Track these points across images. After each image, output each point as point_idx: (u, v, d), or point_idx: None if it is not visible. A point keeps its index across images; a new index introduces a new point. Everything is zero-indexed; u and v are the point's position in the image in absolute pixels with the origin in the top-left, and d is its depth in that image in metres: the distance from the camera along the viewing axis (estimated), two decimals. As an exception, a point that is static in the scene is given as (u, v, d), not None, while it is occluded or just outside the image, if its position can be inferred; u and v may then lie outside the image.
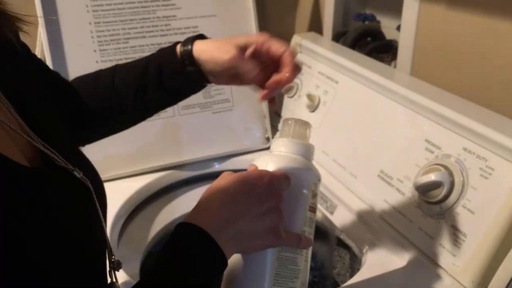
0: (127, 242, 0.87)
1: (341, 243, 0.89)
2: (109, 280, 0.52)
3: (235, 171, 1.13)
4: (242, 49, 0.59)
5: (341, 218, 0.87)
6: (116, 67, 0.67)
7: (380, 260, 0.74)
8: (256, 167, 0.53)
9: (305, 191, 0.52)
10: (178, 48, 0.63)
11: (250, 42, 0.60)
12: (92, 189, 0.48)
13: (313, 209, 0.53)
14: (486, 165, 0.67)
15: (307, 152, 0.55)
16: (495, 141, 0.66)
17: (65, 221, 0.43)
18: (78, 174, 0.46)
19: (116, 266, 0.52)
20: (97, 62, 0.94)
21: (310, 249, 0.54)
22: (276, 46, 0.59)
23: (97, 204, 0.48)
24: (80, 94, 0.65)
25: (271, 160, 0.53)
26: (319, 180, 0.55)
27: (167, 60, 0.63)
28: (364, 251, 0.79)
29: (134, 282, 0.69)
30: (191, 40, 0.62)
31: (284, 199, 0.50)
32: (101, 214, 0.49)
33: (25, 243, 0.37)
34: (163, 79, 0.63)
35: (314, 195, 0.54)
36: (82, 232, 0.45)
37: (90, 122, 0.66)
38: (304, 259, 0.53)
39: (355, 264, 0.87)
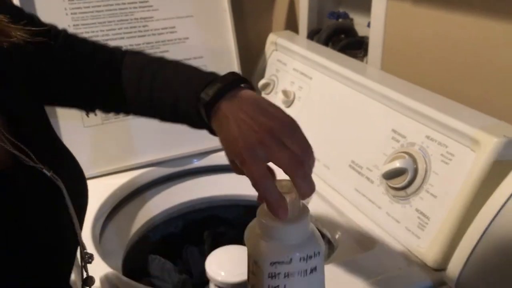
0: (109, 237, 0.89)
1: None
2: (84, 275, 0.54)
3: (214, 167, 1.13)
4: None
5: (316, 207, 0.90)
6: (155, 77, 0.60)
7: (350, 245, 0.78)
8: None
9: None
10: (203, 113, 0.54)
11: None
12: (62, 186, 0.49)
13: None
14: (447, 151, 0.71)
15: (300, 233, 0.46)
16: (454, 128, 0.70)
17: (28, 218, 0.45)
18: (47, 172, 0.47)
19: (88, 259, 0.54)
20: (77, 63, 0.97)
21: None
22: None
23: (68, 201, 0.49)
24: (122, 74, 0.62)
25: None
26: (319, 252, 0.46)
27: (192, 116, 0.56)
28: (336, 237, 0.82)
29: (117, 274, 0.72)
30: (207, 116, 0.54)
31: None
32: (72, 211, 0.50)
33: None
34: (190, 124, 0.59)
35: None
36: (45, 228, 0.47)
37: (118, 99, 0.62)
38: None
39: (332, 253, 0.90)
